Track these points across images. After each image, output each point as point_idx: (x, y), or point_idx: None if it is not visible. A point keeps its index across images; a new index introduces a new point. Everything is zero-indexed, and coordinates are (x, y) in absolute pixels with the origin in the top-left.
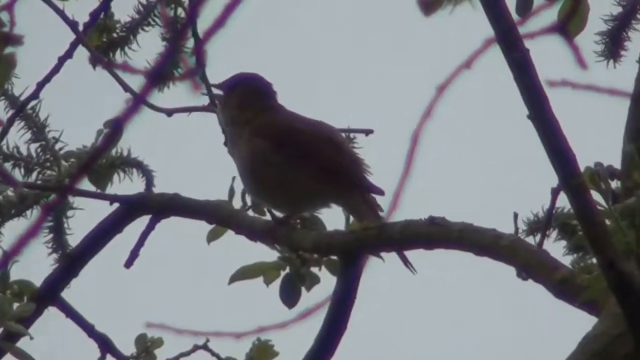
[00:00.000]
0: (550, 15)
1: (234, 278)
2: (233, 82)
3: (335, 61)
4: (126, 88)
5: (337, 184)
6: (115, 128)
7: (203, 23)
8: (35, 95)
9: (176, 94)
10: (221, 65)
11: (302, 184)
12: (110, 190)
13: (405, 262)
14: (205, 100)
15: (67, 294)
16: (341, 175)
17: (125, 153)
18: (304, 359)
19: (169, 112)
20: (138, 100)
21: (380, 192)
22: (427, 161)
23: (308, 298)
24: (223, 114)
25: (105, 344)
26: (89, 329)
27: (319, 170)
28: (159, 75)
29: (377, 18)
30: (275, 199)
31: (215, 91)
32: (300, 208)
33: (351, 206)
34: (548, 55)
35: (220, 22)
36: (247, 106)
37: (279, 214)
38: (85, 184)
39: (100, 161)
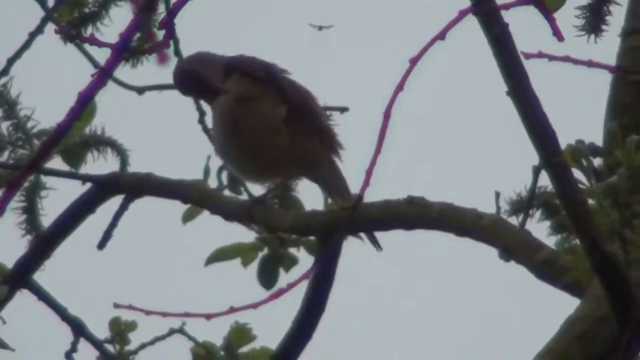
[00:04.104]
0: None
1: (211, 259)
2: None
3: (307, 37)
4: (94, 63)
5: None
6: (80, 102)
7: None
8: (5, 71)
9: (150, 71)
10: (192, 37)
11: (275, 126)
12: (85, 169)
13: (372, 239)
14: None
15: (39, 277)
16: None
17: (99, 132)
18: (282, 342)
19: (140, 90)
20: (104, 74)
21: None
22: (402, 138)
23: (287, 279)
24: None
25: (78, 328)
26: (62, 312)
27: (298, 115)
28: (125, 49)
29: None
30: (245, 151)
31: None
32: (268, 165)
33: (322, 177)
34: (524, 28)
35: None
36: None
37: (255, 194)
38: (59, 164)
39: (73, 140)
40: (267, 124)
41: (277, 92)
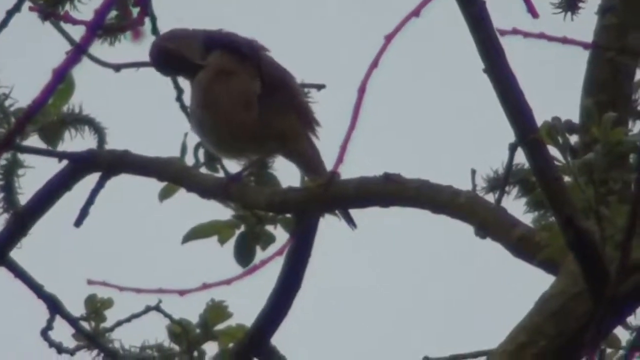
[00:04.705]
0: None
1: (188, 237)
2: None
3: (284, 14)
4: (71, 40)
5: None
6: (54, 78)
7: None
8: None
9: (128, 48)
10: (171, 15)
11: (248, 101)
12: (62, 147)
13: (346, 217)
14: None
15: (15, 254)
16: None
17: (76, 110)
18: (257, 319)
19: (117, 67)
20: (78, 51)
21: None
22: (378, 115)
23: (263, 257)
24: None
25: (54, 305)
26: (38, 290)
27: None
28: (100, 26)
29: None
30: (221, 125)
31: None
32: (243, 140)
33: (299, 153)
34: (499, 6)
35: None
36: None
37: (231, 171)
38: (36, 142)
39: (51, 118)
40: (241, 98)
41: (256, 68)
